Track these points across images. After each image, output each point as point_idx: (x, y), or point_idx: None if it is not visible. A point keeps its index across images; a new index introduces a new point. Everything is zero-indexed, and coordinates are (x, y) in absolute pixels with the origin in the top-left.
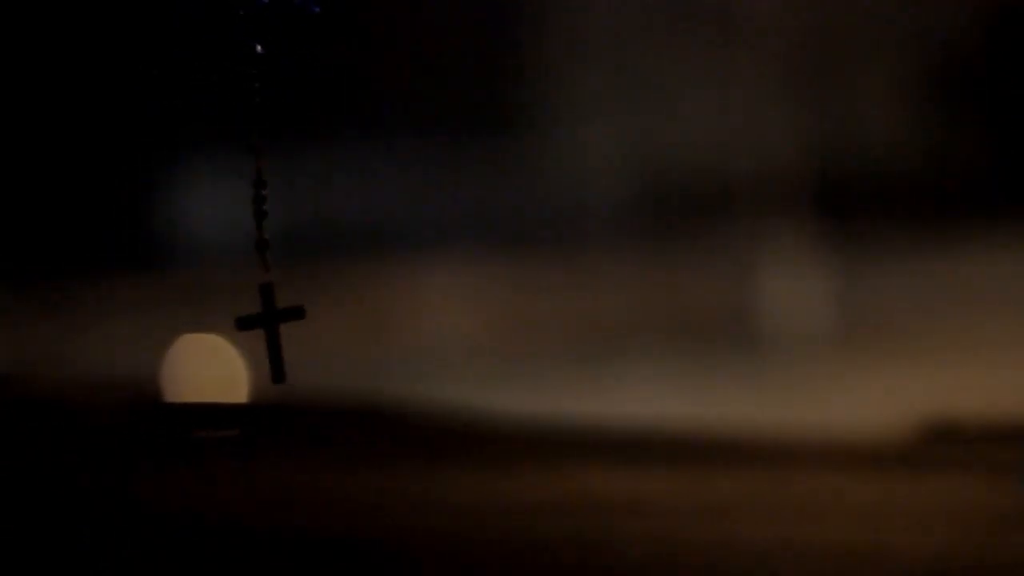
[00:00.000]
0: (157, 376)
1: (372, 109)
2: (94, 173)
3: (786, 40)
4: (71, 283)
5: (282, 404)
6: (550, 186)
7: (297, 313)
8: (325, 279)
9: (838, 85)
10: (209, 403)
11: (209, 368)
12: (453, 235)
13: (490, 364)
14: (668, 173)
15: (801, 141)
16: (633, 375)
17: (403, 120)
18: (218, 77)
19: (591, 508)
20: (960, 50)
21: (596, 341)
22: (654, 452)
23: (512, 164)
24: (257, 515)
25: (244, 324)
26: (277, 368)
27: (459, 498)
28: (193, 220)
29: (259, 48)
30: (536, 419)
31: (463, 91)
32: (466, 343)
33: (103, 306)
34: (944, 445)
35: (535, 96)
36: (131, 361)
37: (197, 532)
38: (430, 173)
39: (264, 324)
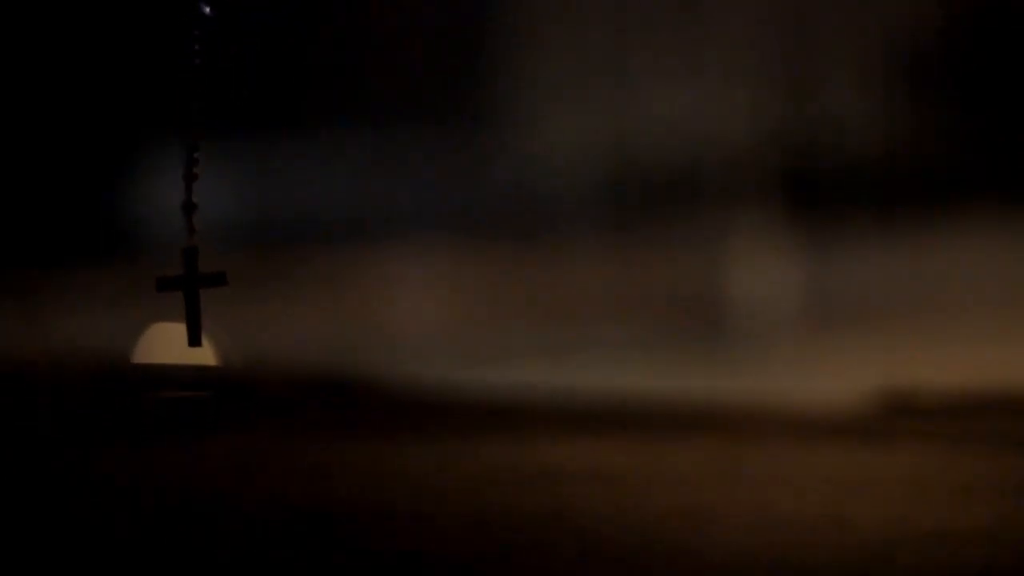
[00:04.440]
0: (127, 349)
1: (343, 98)
2: (58, 165)
3: (755, 31)
4: (39, 272)
5: (251, 375)
6: (519, 173)
7: (218, 279)
8: (300, 261)
9: (806, 75)
10: (179, 364)
11: (179, 354)
12: (424, 220)
13: (457, 339)
14: (636, 161)
15: (768, 129)
16: (598, 349)
17: (374, 109)
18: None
19: (556, 478)
20: (928, 41)
21: (563, 317)
22: (618, 423)
23: (480, 152)
24: (224, 483)
25: (164, 285)
26: (194, 331)
27: (424, 469)
28: (162, 209)
29: (206, 9)
30: (501, 391)
31: (433, 81)
32: (435, 320)
33: (74, 294)
34: (903, 417)
35: (503, 86)
36: (100, 336)
37: (165, 500)
38: (402, 161)
39: (184, 287)
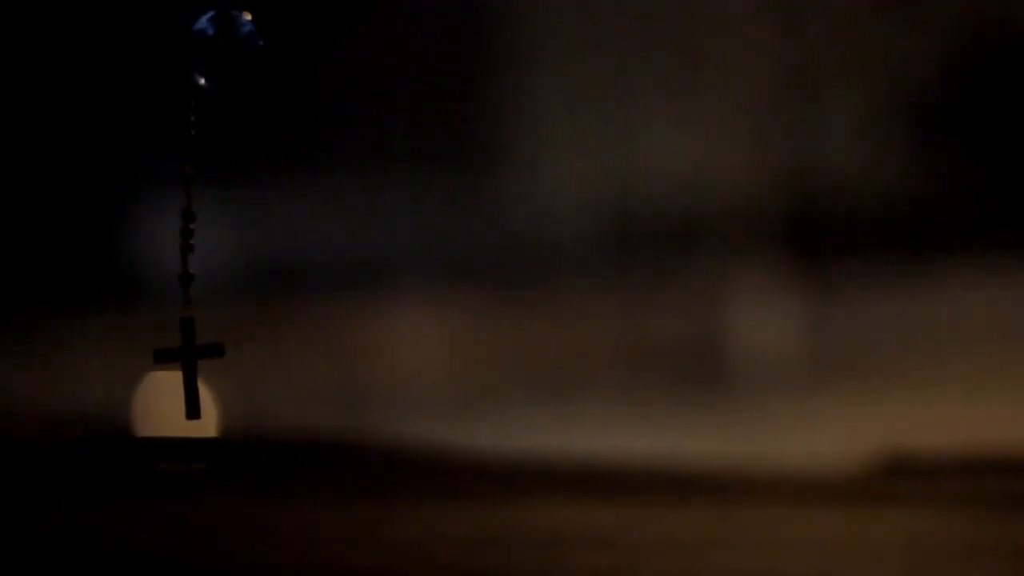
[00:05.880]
0: (124, 412)
1: (335, 144)
2: (54, 206)
3: (755, 75)
4: (37, 320)
5: (247, 439)
6: (520, 222)
7: (216, 350)
8: (293, 313)
9: (808, 119)
10: (176, 437)
11: (176, 406)
12: (419, 270)
13: (453, 398)
14: (636, 208)
15: (769, 175)
16: (594, 408)
17: (368, 155)
18: (155, 106)
19: (553, 542)
20: (931, 88)
21: (559, 375)
22: (614, 485)
23: (481, 202)
24: (223, 550)
25: (162, 357)
26: (192, 403)
27: (418, 531)
28: (162, 256)
29: (202, 81)
30: (498, 453)
31: (428, 125)
32: (430, 378)
33: (69, 343)
34: (901, 477)
35: (504, 134)
36: (98, 398)
37: (160, 567)
38: (396, 208)
39: (182, 359)
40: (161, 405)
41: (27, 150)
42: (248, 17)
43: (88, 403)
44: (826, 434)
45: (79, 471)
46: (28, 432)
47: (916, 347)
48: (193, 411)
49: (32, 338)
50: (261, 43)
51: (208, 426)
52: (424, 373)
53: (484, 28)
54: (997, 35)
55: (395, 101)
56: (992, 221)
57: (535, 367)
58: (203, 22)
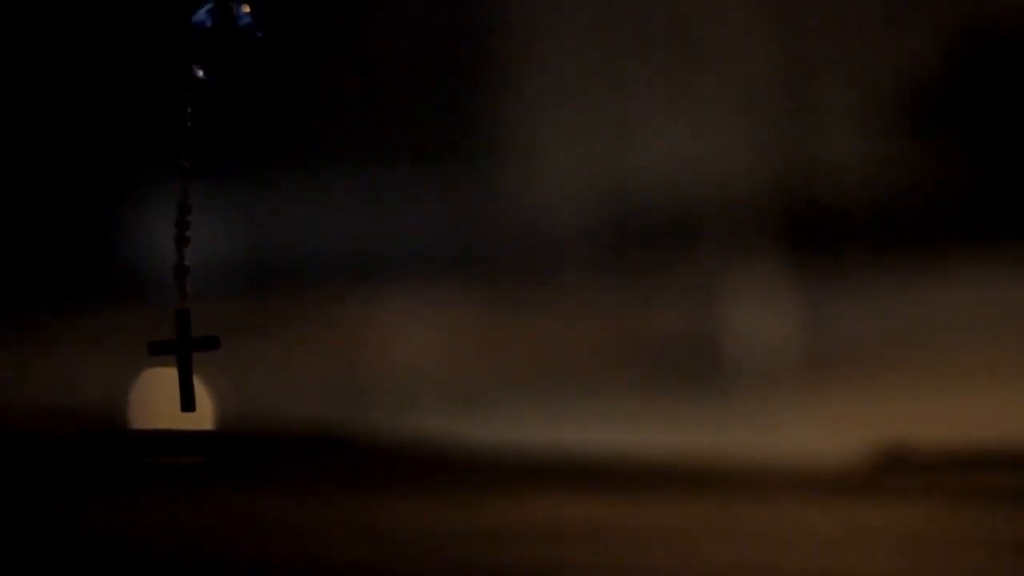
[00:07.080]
0: (121, 406)
1: (333, 138)
2: (50, 200)
3: (753, 70)
4: (34, 314)
5: (246, 432)
6: (517, 216)
7: (211, 343)
8: (290, 307)
9: (805, 113)
10: (173, 430)
11: (172, 401)
12: (420, 264)
13: (453, 392)
14: (635, 202)
15: (766, 170)
16: (595, 402)
17: (366, 149)
18: (153, 99)
19: (553, 535)
20: (929, 84)
21: (557, 369)
22: (615, 479)
23: (479, 196)
24: (221, 543)
25: (157, 349)
26: (187, 396)
27: (421, 526)
28: (159, 251)
29: (200, 72)
30: (498, 446)
31: (427, 119)
32: (430, 371)
33: (64, 338)
34: (901, 472)
35: (501, 128)
36: (95, 393)
37: (157, 561)
38: (396, 202)
39: (177, 351)
40: (157, 399)
41: (24, 143)
42: (247, 9)
43: (83, 397)
44: (825, 428)
45: (75, 466)
46: (24, 426)
47: (914, 341)
48: (188, 404)
49: (28, 332)
50: (260, 35)
51: (204, 420)
52: (422, 367)
53: (483, 23)
54: (997, 28)
55: (394, 95)
56: (990, 215)
57: (533, 362)
58: (201, 14)
